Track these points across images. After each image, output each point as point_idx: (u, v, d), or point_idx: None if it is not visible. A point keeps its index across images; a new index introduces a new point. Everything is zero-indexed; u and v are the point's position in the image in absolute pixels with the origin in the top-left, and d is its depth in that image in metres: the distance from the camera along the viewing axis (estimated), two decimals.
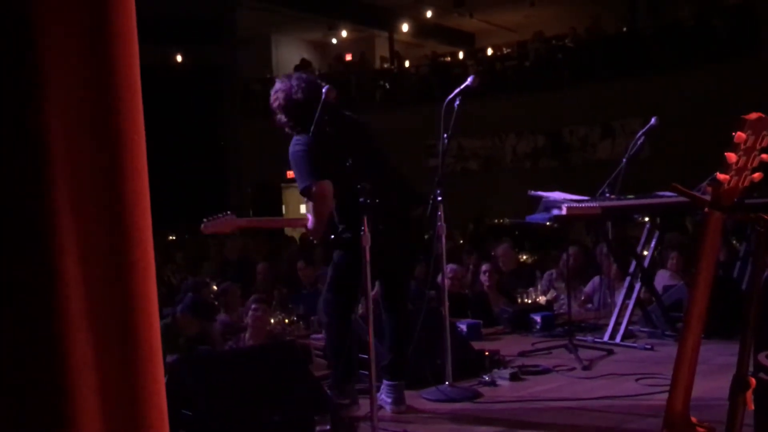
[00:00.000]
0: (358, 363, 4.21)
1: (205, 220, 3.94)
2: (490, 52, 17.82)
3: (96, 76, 1.51)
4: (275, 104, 3.85)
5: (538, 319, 5.89)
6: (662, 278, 6.67)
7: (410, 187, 4.03)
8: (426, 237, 4.26)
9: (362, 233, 3.42)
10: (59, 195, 1.45)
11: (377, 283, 4.09)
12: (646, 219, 6.12)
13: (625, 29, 15.54)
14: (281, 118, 3.85)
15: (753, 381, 1.78)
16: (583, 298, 7.09)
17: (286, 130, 3.86)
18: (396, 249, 3.80)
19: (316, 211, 3.77)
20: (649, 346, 5.14)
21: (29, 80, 1.45)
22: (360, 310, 4.81)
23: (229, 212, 3.98)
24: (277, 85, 3.89)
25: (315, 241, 3.95)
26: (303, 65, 18.02)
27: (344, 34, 19.03)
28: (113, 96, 1.52)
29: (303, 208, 17.14)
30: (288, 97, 3.80)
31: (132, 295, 1.51)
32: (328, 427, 3.35)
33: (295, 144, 3.77)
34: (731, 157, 1.81)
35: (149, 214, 1.56)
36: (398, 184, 3.96)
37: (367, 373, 3.55)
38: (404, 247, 3.96)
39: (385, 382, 3.89)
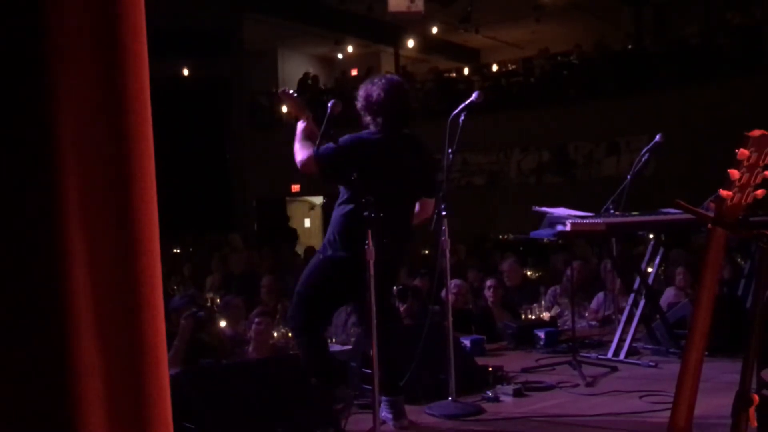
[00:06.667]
0: (362, 378, 4.21)
1: (291, 91, 4.16)
2: (495, 68, 17.86)
3: (106, 84, 1.53)
4: (360, 101, 4.00)
5: (541, 335, 5.87)
6: (669, 295, 6.67)
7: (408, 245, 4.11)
8: (427, 252, 4.33)
9: (366, 247, 3.44)
10: (69, 203, 1.46)
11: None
12: (651, 236, 6.11)
13: (630, 46, 15.57)
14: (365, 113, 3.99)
15: (756, 398, 1.77)
16: (587, 314, 7.08)
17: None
18: (389, 267, 3.83)
19: (294, 149, 3.95)
20: (653, 363, 5.12)
21: (41, 89, 1.47)
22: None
23: (308, 109, 4.12)
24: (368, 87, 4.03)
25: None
26: (305, 78, 18.11)
27: (350, 49, 19.11)
28: (123, 104, 1.54)
29: (308, 222, 17.14)
30: (367, 97, 3.95)
31: (139, 303, 1.52)
32: None
33: (330, 130, 3.82)
34: (734, 173, 1.82)
35: (157, 224, 1.58)
36: (402, 236, 4.00)
37: (370, 387, 3.55)
38: (395, 266, 4.03)
39: (382, 398, 3.88)
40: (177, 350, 4.94)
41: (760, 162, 1.83)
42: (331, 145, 3.76)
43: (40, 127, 1.47)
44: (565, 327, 6.40)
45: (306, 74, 18.34)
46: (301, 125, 4.01)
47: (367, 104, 3.94)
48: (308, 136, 3.96)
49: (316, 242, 15.59)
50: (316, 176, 3.97)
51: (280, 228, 17.31)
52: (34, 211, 1.45)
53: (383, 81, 3.98)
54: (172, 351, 4.84)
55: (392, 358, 3.93)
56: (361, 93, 3.98)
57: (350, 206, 3.83)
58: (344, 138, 3.82)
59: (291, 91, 4.14)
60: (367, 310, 3.52)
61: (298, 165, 3.92)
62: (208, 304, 7.21)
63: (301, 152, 3.91)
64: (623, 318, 5.64)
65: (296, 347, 4.14)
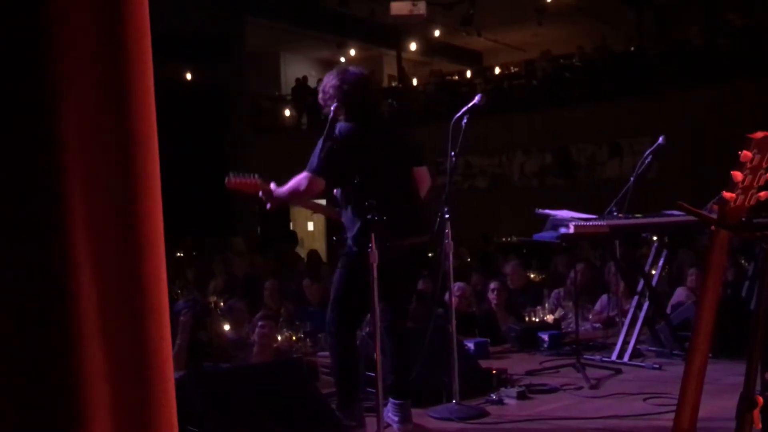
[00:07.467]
0: (366, 381, 4.20)
1: (231, 174, 3.93)
2: (497, 70, 17.87)
3: (111, 86, 1.53)
4: (323, 93, 3.93)
5: (545, 337, 5.87)
6: (680, 295, 6.66)
7: (424, 214, 4.03)
8: (431, 255, 4.25)
9: (370, 250, 3.44)
10: (74, 207, 1.47)
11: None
12: (654, 238, 6.11)
13: (632, 48, 15.57)
14: (330, 103, 3.90)
15: (760, 399, 1.77)
16: (590, 316, 7.07)
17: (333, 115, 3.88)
18: (400, 269, 3.80)
19: (290, 193, 3.86)
20: (657, 366, 5.12)
21: (44, 91, 1.47)
22: (366, 327, 4.80)
23: (256, 175, 3.97)
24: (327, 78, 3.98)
25: (268, 206, 4.03)
26: (304, 82, 18.11)
27: (352, 52, 19.13)
28: (128, 107, 1.55)
29: (311, 225, 17.11)
30: (340, 85, 3.88)
31: (144, 307, 1.53)
32: None
33: (334, 133, 3.80)
34: (737, 175, 1.82)
35: (162, 228, 1.58)
36: (413, 207, 3.96)
37: (374, 390, 3.55)
38: (409, 267, 3.97)
39: (391, 400, 3.88)
40: (180, 348, 4.94)
41: (763, 164, 1.83)
42: (318, 155, 3.74)
43: (43, 129, 1.47)
44: (569, 329, 6.39)
45: (304, 77, 18.35)
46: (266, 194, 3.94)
47: (336, 90, 3.86)
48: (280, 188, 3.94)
49: (319, 245, 15.59)
50: (325, 189, 3.84)
51: (282, 231, 17.31)
52: (38, 216, 1.45)
53: (349, 70, 3.97)
54: (176, 349, 4.84)
55: (406, 363, 3.92)
56: (332, 81, 3.90)
57: (356, 203, 3.77)
58: (326, 141, 3.77)
59: (232, 175, 3.93)
60: (371, 312, 3.52)
61: (304, 191, 3.80)
62: (212, 307, 7.21)
63: (296, 183, 3.82)
64: (627, 320, 5.64)
65: (329, 354, 4.08)
